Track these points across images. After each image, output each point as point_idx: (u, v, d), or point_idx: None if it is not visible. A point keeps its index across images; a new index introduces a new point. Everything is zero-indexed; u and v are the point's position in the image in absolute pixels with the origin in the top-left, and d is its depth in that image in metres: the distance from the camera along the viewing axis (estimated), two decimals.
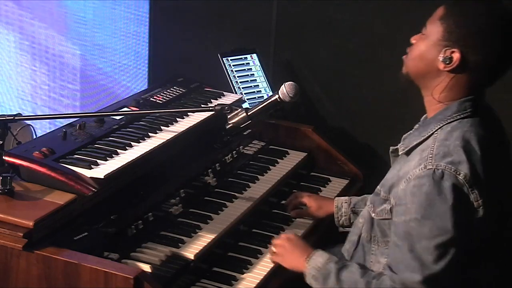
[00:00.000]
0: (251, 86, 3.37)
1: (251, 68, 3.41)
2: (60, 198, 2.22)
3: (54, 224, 2.16)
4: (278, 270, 2.44)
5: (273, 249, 2.42)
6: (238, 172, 2.94)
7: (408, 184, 2.04)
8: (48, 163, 2.31)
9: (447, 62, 2.06)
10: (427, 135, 2.11)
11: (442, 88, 2.10)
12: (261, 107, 2.49)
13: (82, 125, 2.59)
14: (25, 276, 2.10)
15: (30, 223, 2.08)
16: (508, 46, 2.07)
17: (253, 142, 3.19)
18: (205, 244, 2.38)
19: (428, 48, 2.10)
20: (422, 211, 1.98)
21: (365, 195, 2.62)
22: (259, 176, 2.91)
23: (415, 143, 2.14)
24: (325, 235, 2.74)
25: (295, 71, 3.54)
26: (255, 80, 3.40)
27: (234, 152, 3.01)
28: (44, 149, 2.36)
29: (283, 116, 3.28)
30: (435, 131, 2.10)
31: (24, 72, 4.19)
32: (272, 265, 2.43)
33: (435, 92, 2.12)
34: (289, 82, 2.46)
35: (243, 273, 2.39)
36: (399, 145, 2.24)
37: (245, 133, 3.14)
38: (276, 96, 2.46)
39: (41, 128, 3.57)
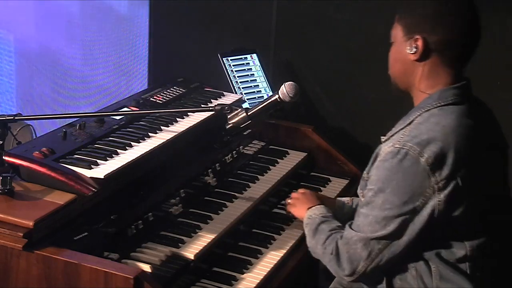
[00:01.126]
0: (251, 86, 3.37)
1: (251, 68, 3.41)
2: (60, 198, 2.22)
3: (54, 224, 2.16)
4: (277, 270, 2.45)
5: (289, 200, 2.62)
6: (238, 172, 2.94)
7: (378, 160, 2.19)
8: (48, 163, 2.31)
9: (415, 52, 2.19)
10: (408, 122, 2.20)
11: (420, 77, 2.22)
12: (261, 107, 2.50)
13: (82, 125, 2.59)
14: (25, 276, 2.10)
15: (30, 223, 2.08)
16: (463, 18, 2.19)
17: (253, 142, 3.19)
18: (205, 244, 2.38)
19: (397, 49, 2.25)
20: (379, 184, 2.14)
21: None
22: (259, 176, 2.91)
23: (397, 130, 2.23)
24: None
25: (295, 71, 3.54)
26: (255, 80, 3.40)
27: (234, 152, 3.01)
28: (44, 149, 2.36)
29: (283, 116, 3.28)
30: (416, 117, 2.19)
31: (24, 72, 4.19)
32: (272, 265, 2.44)
33: (417, 84, 2.24)
34: (289, 82, 2.46)
35: (243, 273, 2.39)
36: (387, 134, 2.32)
37: (245, 133, 3.14)
38: (276, 96, 2.47)
39: (41, 128, 3.57)
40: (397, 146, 2.12)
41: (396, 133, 2.22)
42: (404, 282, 2.21)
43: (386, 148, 2.17)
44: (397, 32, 2.24)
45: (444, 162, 2.09)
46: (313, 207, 2.46)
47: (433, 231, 2.13)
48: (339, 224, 2.32)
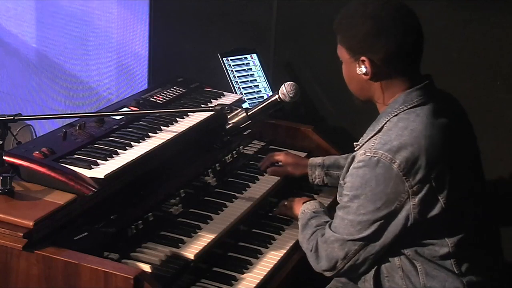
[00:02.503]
0: (251, 86, 3.36)
1: (251, 68, 3.41)
2: (60, 198, 2.22)
3: (54, 224, 2.16)
4: (277, 270, 2.45)
5: (285, 202, 2.71)
6: (238, 172, 2.94)
7: (352, 167, 2.23)
8: (48, 163, 2.31)
9: (366, 72, 2.22)
10: (378, 128, 2.23)
11: (381, 91, 2.26)
12: (261, 107, 2.50)
13: (82, 125, 2.59)
14: (25, 276, 2.10)
15: (30, 223, 2.08)
16: (399, 26, 2.18)
17: (253, 142, 3.19)
18: (205, 244, 2.38)
19: (347, 70, 2.30)
20: (354, 191, 2.19)
21: (338, 157, 2.82)
22: (259, 176, 2.91)
23: (369, 137, 2.25)
24: None
25: (295, 71, 3.53)
26: (255, 80, 3.39)
27: (234, 152, 3.01)
28: (44, 149, 2.36)
29: (283, 116, 3.28)
30: (385, 123, 2.22)
31: (24, 72, 4.19)
32: (272, 265, 2.44)
33: (378, 98, 2.28)
34: (289, 82, 2.46)
35: (243, 273, 2.39)
36: (359, 140, 2.33)
37: (245, 133, 3.14)
38: (276, 96, 2.47)
39: (41, 128, 3.57)
40: (368, 154, 2.16)
41: (367, 140, 2.24)
42: (392, 283, 2.24)
43: (358, 155, 2.21)
44: (343, 53, 2.27)
45: (417, 166, 2.12)
46: (307, 202, 2.52)
47: (412, 231, 2.17)
48: (327, 220, 2.37)
